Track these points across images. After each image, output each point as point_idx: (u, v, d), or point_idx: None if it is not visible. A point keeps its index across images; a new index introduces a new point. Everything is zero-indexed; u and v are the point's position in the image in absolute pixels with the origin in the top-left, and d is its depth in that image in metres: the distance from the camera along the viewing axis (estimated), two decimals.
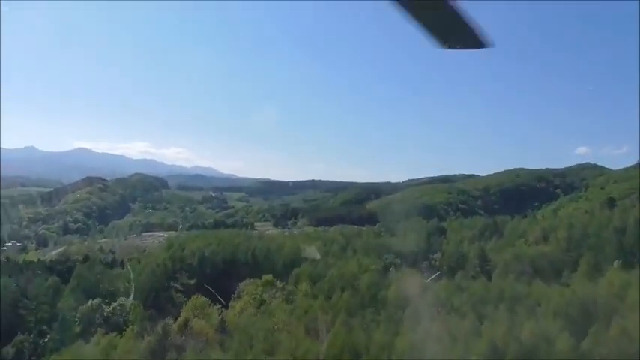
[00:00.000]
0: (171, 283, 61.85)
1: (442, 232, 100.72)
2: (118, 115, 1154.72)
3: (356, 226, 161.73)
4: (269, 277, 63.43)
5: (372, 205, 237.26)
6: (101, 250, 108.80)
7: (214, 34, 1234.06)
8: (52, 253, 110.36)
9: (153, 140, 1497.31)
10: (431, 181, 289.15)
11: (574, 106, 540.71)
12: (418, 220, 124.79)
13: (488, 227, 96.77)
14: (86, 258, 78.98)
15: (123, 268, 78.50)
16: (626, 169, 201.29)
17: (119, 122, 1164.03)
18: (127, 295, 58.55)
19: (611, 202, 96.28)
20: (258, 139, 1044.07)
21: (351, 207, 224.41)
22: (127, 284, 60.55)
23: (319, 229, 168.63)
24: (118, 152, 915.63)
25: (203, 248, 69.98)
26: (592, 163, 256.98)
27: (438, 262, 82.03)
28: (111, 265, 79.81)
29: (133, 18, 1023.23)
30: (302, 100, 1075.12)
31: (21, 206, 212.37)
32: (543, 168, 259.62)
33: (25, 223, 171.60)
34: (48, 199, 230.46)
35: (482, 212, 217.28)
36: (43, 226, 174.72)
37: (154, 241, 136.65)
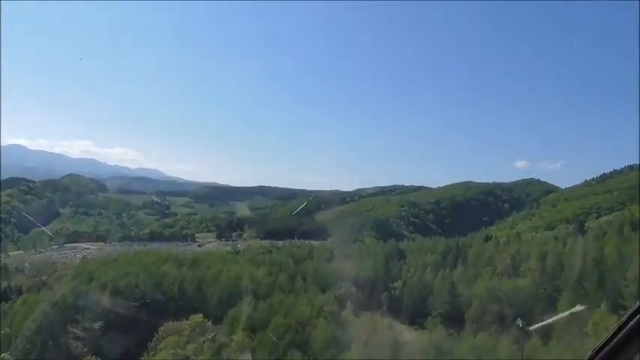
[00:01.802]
0: (70, 328, 48.10)
1: (401, 254, 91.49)
2: (59, 110, 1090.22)
3: (306, 241, 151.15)
4: (199, 317, 51.28)
5: (322, 217, 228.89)
6: (4, 269, 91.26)
7: (164, 30, 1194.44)
8: None
9: (96, 139, 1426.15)
10: (381, 190, 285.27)
11: (513, 119, 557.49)
12: (373, 242, 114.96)
13: (450, 250, 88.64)
14: None
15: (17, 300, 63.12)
16: (576, 187, 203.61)
17: (59, 118, 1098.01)
18: (7, 347, 44.26)
19: (580, 227, 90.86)
20: (207, 140, 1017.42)
21: (301, 218, 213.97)
22: (7, 330, 46.16)
23: (266, 242, 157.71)
24: (56, 150, 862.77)
25: (119, 278, 56.48)
26: (535, 178, 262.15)
27: (398, 292, 72.51)
28: (4, 294, 64.15)
29: (80, 10, 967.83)
30: (252, 102, 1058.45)
31: None
32: (491, 182, 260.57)
33: None
34: None
35: (434, 226, 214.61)
36: None
37: (75, 255, 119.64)
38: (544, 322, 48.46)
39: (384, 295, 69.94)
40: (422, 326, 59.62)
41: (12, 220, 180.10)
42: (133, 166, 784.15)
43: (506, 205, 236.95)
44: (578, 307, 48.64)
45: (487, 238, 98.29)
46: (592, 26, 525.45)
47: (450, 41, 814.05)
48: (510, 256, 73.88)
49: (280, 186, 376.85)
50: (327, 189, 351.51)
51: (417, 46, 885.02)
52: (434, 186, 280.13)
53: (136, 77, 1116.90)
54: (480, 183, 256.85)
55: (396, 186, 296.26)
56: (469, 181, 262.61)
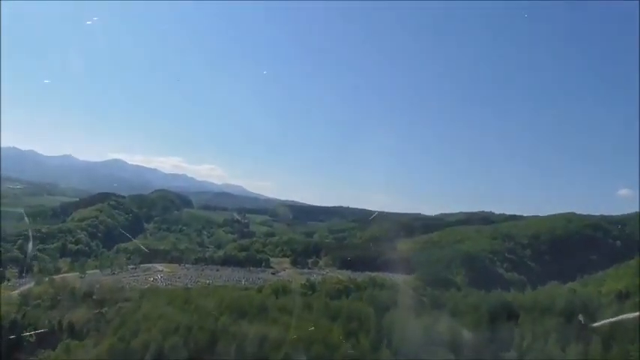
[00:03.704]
0: None
1: (509, 312, 72.93)
2: (155, 128, 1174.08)
3: (388, 276, 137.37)
4: None
5: (404, 246, 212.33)
6: (71, 293, 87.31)
7: (255, 55, 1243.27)
8: (13, 294, 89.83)
9: (186, 155, 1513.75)
10: (468, 218, 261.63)
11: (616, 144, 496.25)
12: (472, 292, 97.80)
13: (573, 307, 69.49)
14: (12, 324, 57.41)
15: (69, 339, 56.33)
16: None
17: (156, 136, 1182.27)
18: None
19: None
20: (289, 158, 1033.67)
21: (381, 245, 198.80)
22: None
23: (344, 273, 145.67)
24: (151, 165, 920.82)
25: (169, 333, 47.12)
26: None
27: None
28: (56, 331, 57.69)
29: (181, 37, 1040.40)
30: (334, 124, 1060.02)
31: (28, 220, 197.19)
32: (597, 214, 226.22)
33: (19, 241, 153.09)
34: (59, 213, 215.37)
35: (532, 264, 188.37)
36: (40, 245, 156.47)
37: (146, 279, 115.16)
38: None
39: None
40: None
41: (98, 234, 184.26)
42: (218, 182, 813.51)
43: (618, 243, 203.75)
44: None
45: (622, 295, 77.33)
46: None
47: (550, 65, 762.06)
48: None
49: (359, 207, 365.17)
50: (408, 212, 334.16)
51: (515, 69, 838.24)
52: (524, 214, 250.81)
53: (226, 99, 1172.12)
54: (584, 215, 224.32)
55: (482, 213, 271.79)
56: (571, 212, 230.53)
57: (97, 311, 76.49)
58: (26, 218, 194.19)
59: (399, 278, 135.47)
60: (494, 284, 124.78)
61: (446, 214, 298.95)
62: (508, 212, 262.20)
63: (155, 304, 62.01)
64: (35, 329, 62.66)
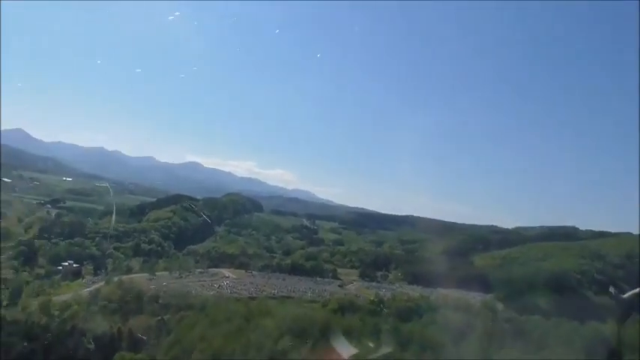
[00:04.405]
0: None
1: (611, 352, 61.47)
2: (231, 133, 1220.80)
3: (463, 294, 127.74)
4: None
5: (480, 261, 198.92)
6: (137, 296, 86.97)
7: (328, 63, 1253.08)
8: (82, 292, 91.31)
9: (259, 160, 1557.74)
10: (550, 232, 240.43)
11: None
12: (563, 323, 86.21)
13: None
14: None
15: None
16: None
17: (231, 140, 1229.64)
18: None
19: None
20: (358, 165, 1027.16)
21: (454, 259, 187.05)
22: None
23: (415, 289, 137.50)
24: (226, 169, 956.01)
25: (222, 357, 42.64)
26: None
27: None
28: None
29: (256, 44, 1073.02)
30: (409, 130, 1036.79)
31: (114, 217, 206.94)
32: None
33: (97, 238, 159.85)
34: (136, 212, 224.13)
35: (627, 287, 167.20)
36: (116, 243, 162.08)
37: (212, 285, 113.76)
38: None
39: None
40: None
41: (171, 235, 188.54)
42: (289, 187, 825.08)
43: None
44: None
45: None
46: None
47: None
48: None
49: (430, 216, 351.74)
50: (481, 223, 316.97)
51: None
52: (614, 230, 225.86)
53: (299, 105, 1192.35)
54: None
55: (565, 228, 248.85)
56: None
57: (159, 318, 75.05)
58: (113, 216, 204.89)
59: (475, 297, 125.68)
60: (583, 310, 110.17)
61: (524, 227, 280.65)
62: (595, 228, 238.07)
63: (214, 318, 58.59)
64: (95, 335, 61.35)
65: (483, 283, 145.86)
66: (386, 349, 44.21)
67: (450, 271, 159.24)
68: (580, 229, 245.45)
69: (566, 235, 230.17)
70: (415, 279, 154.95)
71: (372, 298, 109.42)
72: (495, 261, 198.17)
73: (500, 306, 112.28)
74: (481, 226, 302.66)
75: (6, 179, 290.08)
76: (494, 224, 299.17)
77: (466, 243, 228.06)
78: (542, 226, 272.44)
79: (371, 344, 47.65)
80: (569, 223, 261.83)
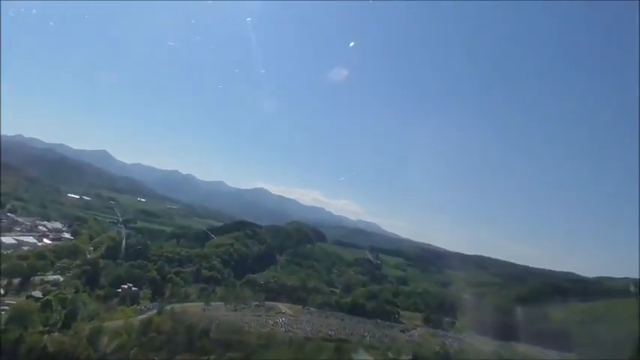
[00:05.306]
0: None
1: None
2: (299, 161, 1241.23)
3: (539, 351, 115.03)
4: None
5: (558, 314, 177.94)
6: (188, 329, 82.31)
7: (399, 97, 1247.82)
8: (135, 320, 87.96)
9: (325, 190, 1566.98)
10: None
11: None
12: None
13: None
14: None
15: None
16: None
17: (299, 168, 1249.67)
18: None
19: None
20: (425, 199, 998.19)
21: (528, 309, 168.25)
22: None
23: (485, 342, 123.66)
24: (291, 196, 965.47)
25: None
26: None
27: None
28: None
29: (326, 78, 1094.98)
30: (473, 166, 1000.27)
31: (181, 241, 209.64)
32: None
33: (159, 261, 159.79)
34: (201, 237, 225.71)
35: None
36: (178, 268, 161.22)
37: (267, 321, 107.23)
38: None
39: None
40: None
41: (231, 262, 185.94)
42: (353, 217, 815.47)
43: None
44: None
45: None
46: None
47: None
48: None
49: (501, 258, 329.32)
50: (557, 269, 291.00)
51: None
52: None
53: (366, 137, 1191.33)
54: None
55: None
56: None
57: (206, 359, 69.40)
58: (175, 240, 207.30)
59: (551, 356, 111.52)
60: None
61: (607, 278, 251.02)
62: None
63: None
64: None
65: (562, 341, 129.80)
66: None
67: (523, 323, 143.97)
68: None
69: None
70: (484, 329, 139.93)
71: (436, 349, 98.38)
72: (576, 315, 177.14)
73: None
74: (557, 272, 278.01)
75: (86, 197, 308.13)
76: (572, 271, 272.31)
77: (541, 291, 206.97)
78: (629, 278, 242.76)
79: None
80: None
